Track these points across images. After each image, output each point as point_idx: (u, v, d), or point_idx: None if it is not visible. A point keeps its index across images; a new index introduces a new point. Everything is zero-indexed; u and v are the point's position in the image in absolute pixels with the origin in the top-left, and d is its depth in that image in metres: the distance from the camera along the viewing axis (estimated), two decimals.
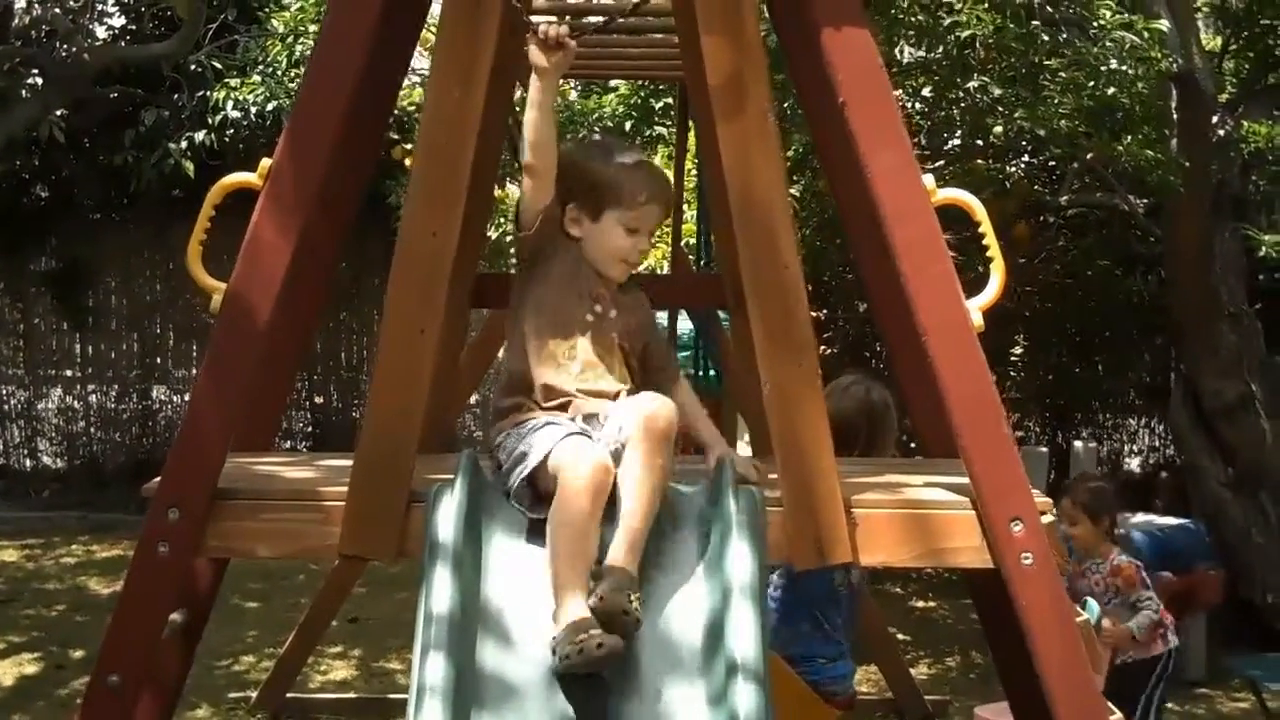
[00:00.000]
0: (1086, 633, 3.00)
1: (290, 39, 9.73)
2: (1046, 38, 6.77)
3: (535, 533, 2.68)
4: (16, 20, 9.54)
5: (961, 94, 7.25)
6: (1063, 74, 6.73)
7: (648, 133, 9.08)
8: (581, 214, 2.89)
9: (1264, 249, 7.02)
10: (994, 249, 2.91)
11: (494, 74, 2.80)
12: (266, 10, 10.80)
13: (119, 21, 12.14)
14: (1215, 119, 7.90)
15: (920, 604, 9.26)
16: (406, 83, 7.35)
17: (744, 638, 2.48)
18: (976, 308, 2.80)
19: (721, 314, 6.58)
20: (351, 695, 6.71)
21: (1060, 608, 2.81)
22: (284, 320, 3.02)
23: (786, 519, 2.79)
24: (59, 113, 10.12)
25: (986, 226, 2.91)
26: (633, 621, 2.50)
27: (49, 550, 10.44)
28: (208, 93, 10.42)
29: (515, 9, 2.87)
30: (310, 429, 13.49)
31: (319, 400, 13.61)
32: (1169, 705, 7.00)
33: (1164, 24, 7.03)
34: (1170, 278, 8.94)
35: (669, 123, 8.83)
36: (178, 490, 2.79)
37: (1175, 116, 7.77)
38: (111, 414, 13.41)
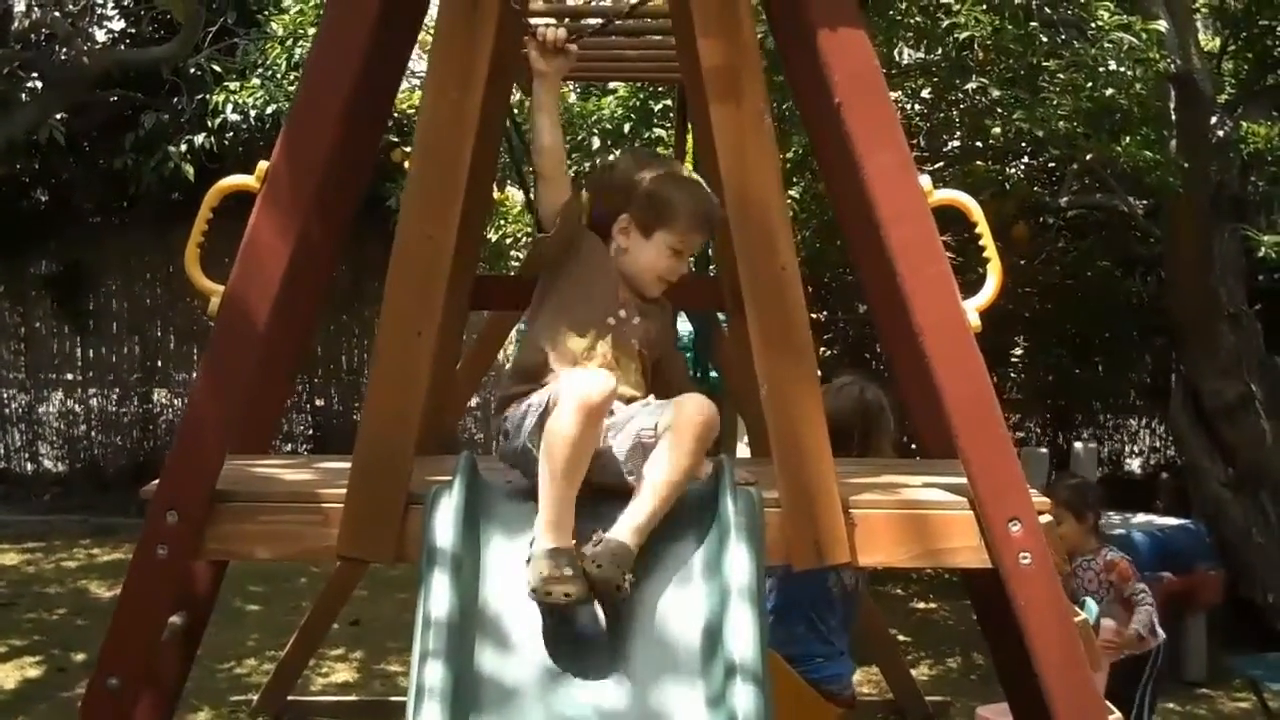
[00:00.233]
0: (1085, 632, 2.99)
1: (289, 42, 9.73)
2: (1045, 39, 6.78)
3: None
4: (16, 24, 9.55)
5: (960, 95, 7.26)
6: (1061, 75, 6.74)
7: (646, 135, 9.08)
8: (633, 226, 2.91)
9: (1263, 249, 7.03)
10: (991, 249, 2.92)
11: (491, 76, 2.80)
12: (266, 13, 10.81)
13: (118, 25, 12.15)
14: (1214, 120, 7.91)
15: (921, 605, 9.27)
16: (404, 85, 7.36)
17: (743, 639, 2.48)
18: (973, 308, 2.80)
19: (720, 315, 6.58)
20: (353, 698, 6.71)
21: (1059, 607, 2.81)
22: (282, 322, 3.02)
23: (785, 520, 2.79)
24: (58, 116, 10.14)
25: (983, 227, 2.91)
26: (622, 598, 2.52)
27: (50, 554, 10.45)
28: (207, 96, 10.42)
29: (515, 12, 2.88)
30: (311, 432, 13.50)
31: (320, 403, 13.63)
32: (1170, 705, 7.02)
33: (1162, 25, 7.03)
34: (1170, 279, 8.95)
35: (668, 125, 8.83)
36: (176, 493, 2.79)
37: (1174, 117, 7.78)
38: (112, 417, 13.43)
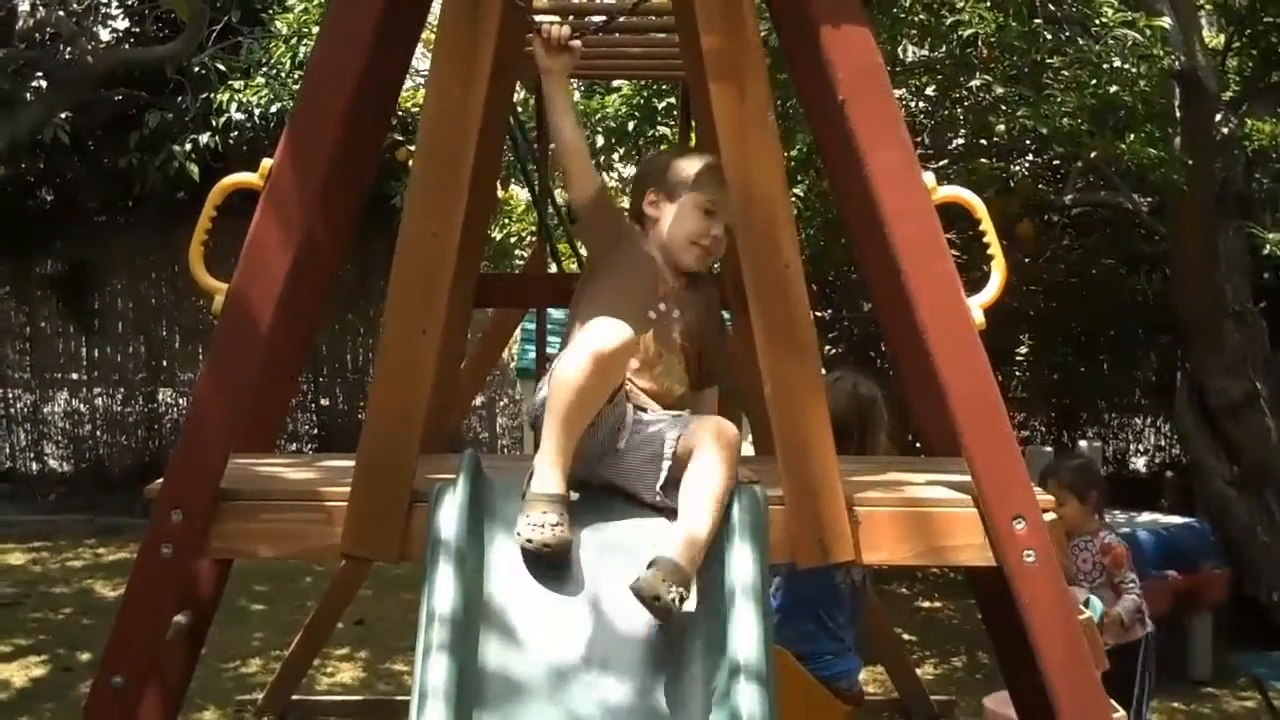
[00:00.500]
0: (1089, 631, 2.98)
1: (294, 40, 9.74)
2: (1049, 36, 6.77)
3: None
4: (20, 23, 9.56)
5: (964, 93, 7.26)
6: (1065, 72, 6.73)
7: (650, 133, 9.08)
8: (660, 196, 2.95)
9: (1268, 247, 7.02)
10: (995, 247, 2.91)
11: (495, 73, 2.80)
12: (270, 12, 10.81)
13: (122, 24, 12.17)
14: (1219, 117, 7.89)
15: (926, 604, 9.27)
16: (408, 83, 7.36)
17: (746, 637, 2.48)
18: (977, 305, 2.80)
19: (724, 313, 6.57)
20: (358, 697, 6.71)
21: (1063, 606, 2.80)
22: (286, 321, 3.01)
23: (789, 518, 2.78)
24: (63, 115, 10.17)
25: (987, 224, 2.90)
26: (662, 609, 2.49)
27: (56, 553, 10.47)
28: (211, 95, 10.43)
29: (518, 9, 2.88)
30: (316, 431, 13.51)
31: (325, 402, 13.64)
32: (1175, 704, 7.02)
33: (1166, 22, 7.03)
34: (1175, 276, 8.94)
35: (671, 123, 8.82)
36: (181, 491, 2.79)
37: (1178, 114, 7.77)
38: (117, 417, 13.45)
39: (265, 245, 2.79)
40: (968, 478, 2.83)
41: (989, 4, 6.44)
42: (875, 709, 5.74)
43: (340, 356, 13.61)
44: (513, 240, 10.72)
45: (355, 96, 2.83)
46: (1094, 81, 6.64)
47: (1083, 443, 10.65)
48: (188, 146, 10.67)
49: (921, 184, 2.76)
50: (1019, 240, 8.60)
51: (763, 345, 2.77)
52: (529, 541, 2.54)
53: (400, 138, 9.33)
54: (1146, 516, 8.08)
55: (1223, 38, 9.22)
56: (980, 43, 6.59)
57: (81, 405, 13.49)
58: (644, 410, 2.82)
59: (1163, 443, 12.73)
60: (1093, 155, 7.52)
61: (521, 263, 10.21)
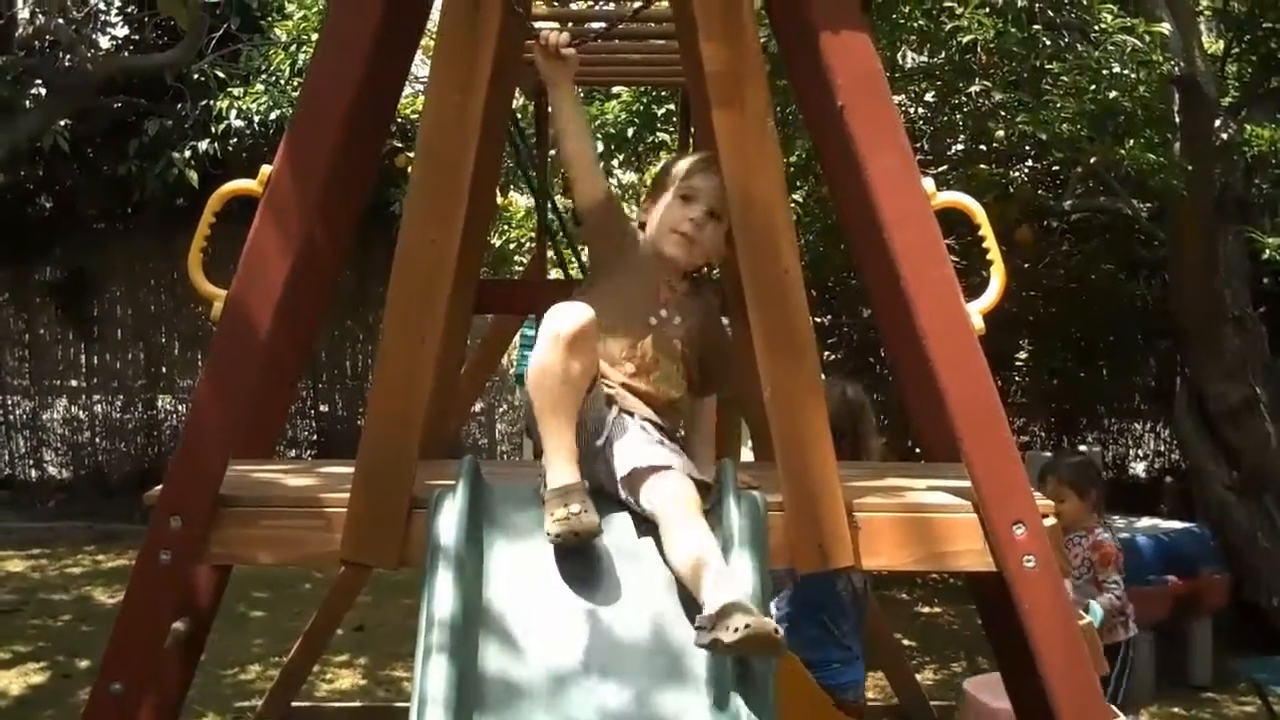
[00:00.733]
0: (1089, 636, 2.99)
1: (293, 47, 9.76)
2: (1048, 42, 6.77)
3: (539, 536, 2.67)
4: (20, 30, 9.57)
5: (963, 99, 7.26)
6: (1064, 78, 6.73)
7: (650, 139, 9.09)
8: (650, 201, 3.02)
9: (1268, 252, 7.01)
10: (994, 252, 2.92)
11: (494, 80, 2.80)
12: (269, 19, 10.83)
13: (122, 31, 12.17)
14: (1218, 122, 7.89)
15: (926, 610, 9.26)
16: (407, 90, 7.37)
17: None
18: (977, 311, 2.80)
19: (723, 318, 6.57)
20: (357, 704, 6.70)
21: (1063, 611, 2.80)
22: (285, 327, 3.02)
23: (789, 523, 2.78)
24: (63, 123, 10.16)
25: (986, 229, 2.91)
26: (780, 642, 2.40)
27: (55, 560, 10.46)
28: (211, 102, 10.44)
29: (518, 16, 2.88)
30: (315, 437, 13.50)
31: (324, 409, 13.63)
32: (1175, 709, 7.01)
33: (1165, 27, 7.03)
34: (1174, 282, 8.94)
35: (671, 129, 8.84)
36: (179, 498, 2.79)
37: (1178, 120, 7.77)
38: (117, 424, 13.44)
39: (264, 252, 2.79)
40: (968, 483, 2.83)
41: (988, 10, 6.44)
42: (875, 715, 5.73)
43: (339, 363, 13.61)
44: (512, 246, 10.74)
45: (355, 103, 2.84)
46: (1093, 87, 6.64)
47: (1082, 448, 10.65)
48: (187, 153, 10.67)
49: (921, 189, 2.76)
50: (1018, 246, 8.60)
51: (762, 350, 2.77)
52: (558, 537, 2.54)
53: (399, 144, 9.34)
54: (1146, 521, 8.07)
55: (1222, 43, 9.23)
56: (979, 48, 6.59)
57: (80, 412, 13.49)
58: (630, 414, 2.82)
59: (1162, 448, 12.73)
60: (1092, 161, 7.52)
61: (521, 269, 10.22)
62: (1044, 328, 11.32)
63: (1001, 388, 2.85)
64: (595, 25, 5.40)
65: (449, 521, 2.59)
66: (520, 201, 11.07)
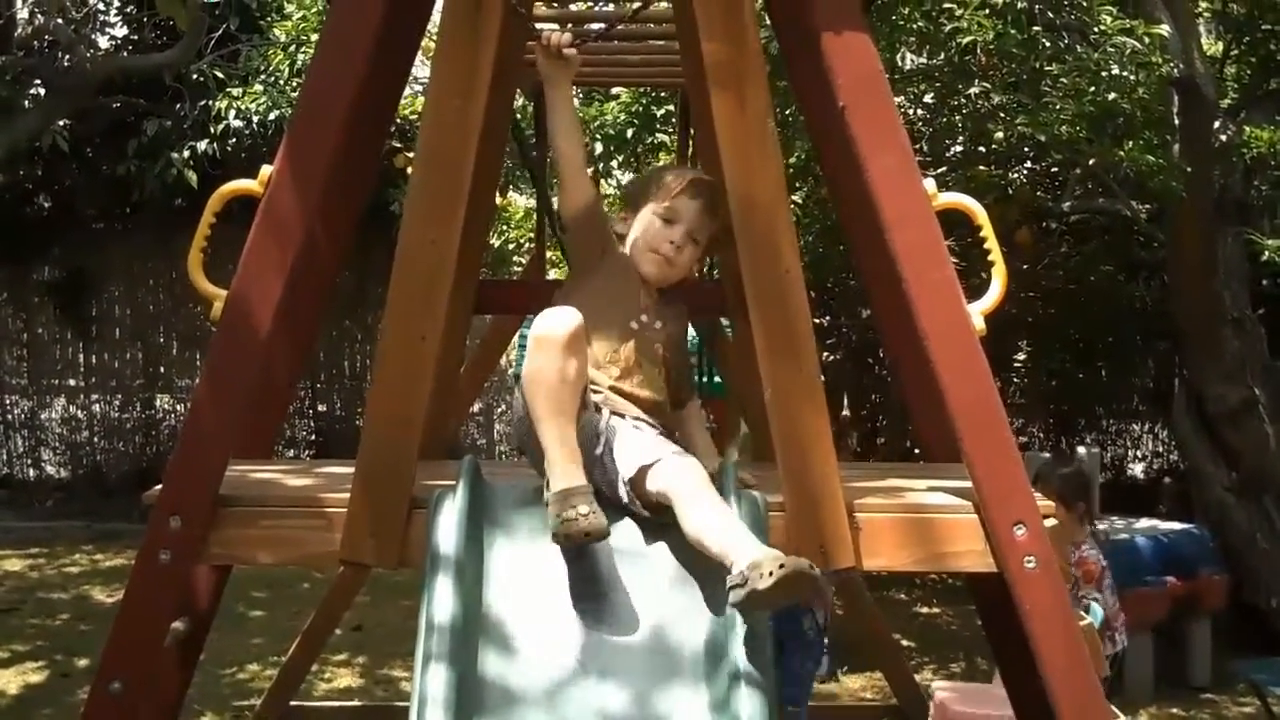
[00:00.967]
0: (1089, 637, 2.99)
1: (292, 48, 9.75)
2: (1047, 44, 6.77)
3: (538, 537, 2.68)
4: (19, 30, 9.56)
5: (963, 100, 7.26)
6: (1064, 80, 6.73)
7: (649, 140, 9.08)
8: (628, 212, 3.01)
9: (1267, 254, 7.01)
10: (995, 253, 2.92)
11: (494, 81, 2.80)
12: (268, 19, 10.82)
13: (121, 31, 12.16)
14: (1217, 124, 7.89)
15: (924, 610, 9.26)
16: (408, 91, 7.37)
17: (748, 645, 2.48)
18: (978, 312, 2.80)
19: (724, 320, 6.57)
20: (355, 703, 6.69)
21: (1063, 611, 2.80)
22: (284, 328, 3.02)
23: (789, 524, 2.78)
24: (62, 123, 10.14)
25: (988, 230, 2.91)
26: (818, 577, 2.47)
27: (53, 560, 10.45)
28: (210, 102, 10.43)
29: (520, 17, 2.88)
30: (314, 437, 13.50)
31: (322, 408, 13.63)
32: (1174, 710, 7.01)
33: (1165, 29, 7.02)
34: (1173, 283, 8.93)
35: (670, 130, 8.83)
36: (179, 498, 2.79)
37: (1177, 122, 7.76)
38: (115, 423, 13.43)
39: (265, 252, 2.79)
40: (968, 484, 2.83)
41: (988, 12, 6.44)
42: (873, 715, 5.74)
43: (338, 363, 13.60)
44: (511, 247, 10.74)
45: (355, 104, 2.84)
46: (1092, 89, 6.64)
47: (1081, 449, 10.65)
48: (186, 154, 10.66)
49: (922, 190, 2.76)
50: (1017, 247, 8.60)
51: (763, 352, 2.77)
52: (567, 539, 2.54)
53: (399, 145, 9.34)
54: (1145, 523, 8.07)
55: (1221, 45, 9.23)
56: (979, 50, 6.58)
57: (79, 411, 13.47)
58: (620, 416, 2.82)
59: (1161, 449, 12.73)
60: (1091, 162, 7.51)
61: (519, 269, 10.22)
62: (1043, 329, 11.32)
63: (1000, 389, 2.85)
64: (595, 26, 5.40)
65: (449, 522, 2.59)
66: (519, 202, 11.08)
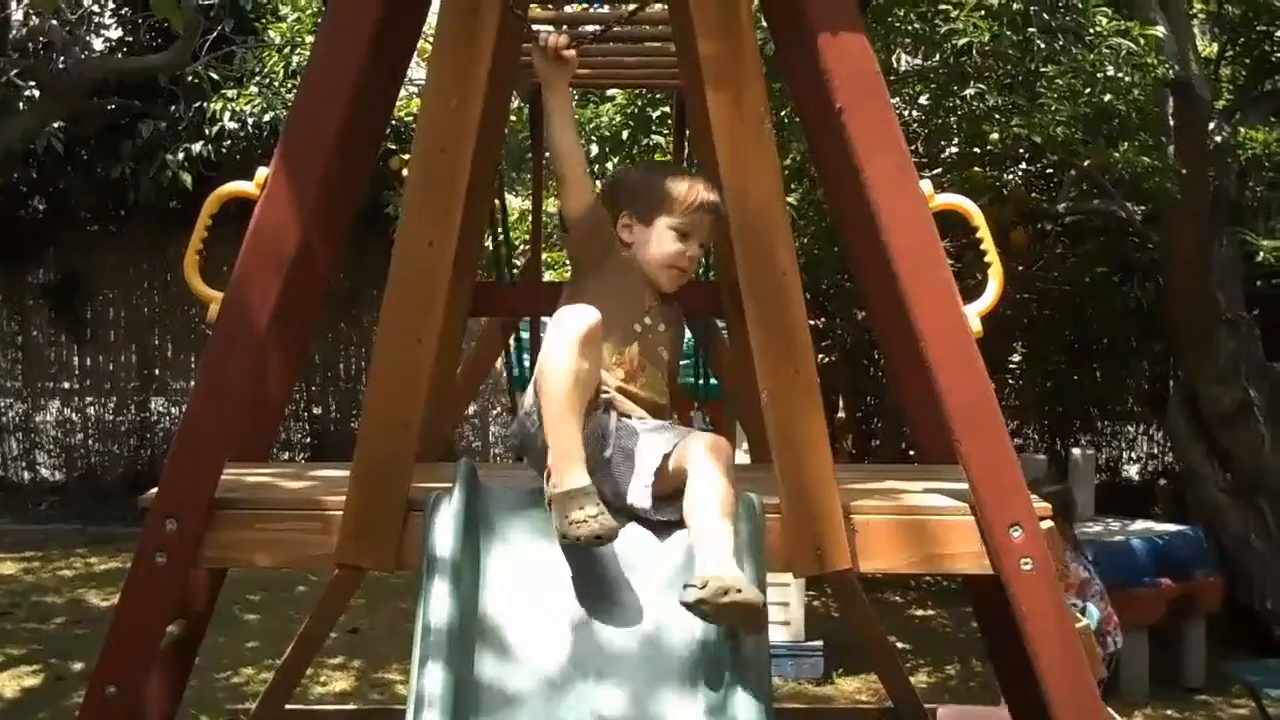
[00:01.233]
0: (1086, 639, 2.98)
1: (287, 49, 9.74)
2: (1043, 45, 6.77)
3: (535, 540, 2.67)
4: (13, 32, 9.54)
5: (958, 102, 7.25)
6: (1059, 81, 6.73)
7: (645, 142, 9.07)
8: (633, 219, 2.94)
9: (1261, 255, 7.02)
10: (992, 254, 2.91)
11: (491, 83, 2.80)
12: (263, 21, 10.81)
13: (115, 33, 12.15)
14: (1212, 125, 7.90)
15: (920, 612, 9.26)
16: (404, 93, 7.36)
17: (744, 648, 2.48)
18: (975, 313, 2.80)
19: (720, 321, 6.57)
20: (351, 706, 6.69)
21: (1060, 613, 2.80)
22: (280, 330, 3.02)
23: (786, 526, 2.78)
24: (56, 125, 10.14)
25: (984, 232, 2.90)
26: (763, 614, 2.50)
27: (47, 563, 10.43)
28: (205, 104, 10.43)
29: (517, 18, 2.88)
30: (309, 440, 13.49)
31: (317, 411, 13.62)
32: (1169, 711, 7.02)
33: (1160, 30, 7.03)
34: (1168, 284, 8.94)
35: (666, 131, 8.83)
36: (175, 500, 2.78)
37: (1172, 123, 7.77)
38: (110, 426, 13.42)
39: (260, 254, 2.79)
40: (964, 485, 2.82)
41: (983, 13, 6.44)
42: (868, 718, 5.74)
43: (333, 365, 13.60)
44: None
45: (350, 106, 2.83)
46: (1088, 90, 6.64)
47: (1075, 451, 10.65)
48: (181, 156, 10.66)
49: (919, 191, 2.76)
50: (1012, 248, 8.59)
51: (759, 353, 2.76)
52: (578, 539, 2.52)
53: (393, 147, 9.33)
54: (1140, 524, 8.09)
55: (1216, 46, 9.25)
56: (974, 52, 6.58)
57: (73, 414, 13.46)
58: (628, 417, 2.82)
59: (1155, 450, 12.75)
60: (1086, 164, 7.52)
61: (516, 271, 10.20)
62: (1038, 330, 11.34)
63: (995, 391, 2.85)
64: (590, 27, 5.40)
65: (445, 525, 2.59)
66: (515, 204, 11.06)
